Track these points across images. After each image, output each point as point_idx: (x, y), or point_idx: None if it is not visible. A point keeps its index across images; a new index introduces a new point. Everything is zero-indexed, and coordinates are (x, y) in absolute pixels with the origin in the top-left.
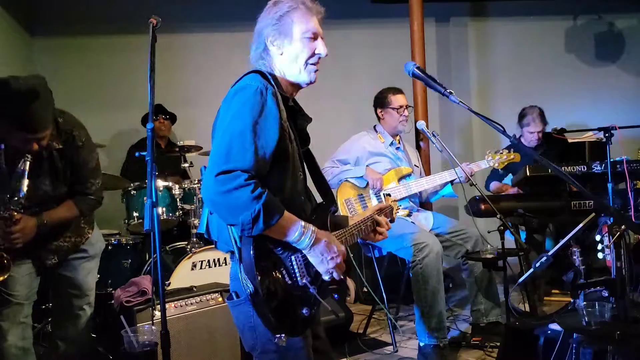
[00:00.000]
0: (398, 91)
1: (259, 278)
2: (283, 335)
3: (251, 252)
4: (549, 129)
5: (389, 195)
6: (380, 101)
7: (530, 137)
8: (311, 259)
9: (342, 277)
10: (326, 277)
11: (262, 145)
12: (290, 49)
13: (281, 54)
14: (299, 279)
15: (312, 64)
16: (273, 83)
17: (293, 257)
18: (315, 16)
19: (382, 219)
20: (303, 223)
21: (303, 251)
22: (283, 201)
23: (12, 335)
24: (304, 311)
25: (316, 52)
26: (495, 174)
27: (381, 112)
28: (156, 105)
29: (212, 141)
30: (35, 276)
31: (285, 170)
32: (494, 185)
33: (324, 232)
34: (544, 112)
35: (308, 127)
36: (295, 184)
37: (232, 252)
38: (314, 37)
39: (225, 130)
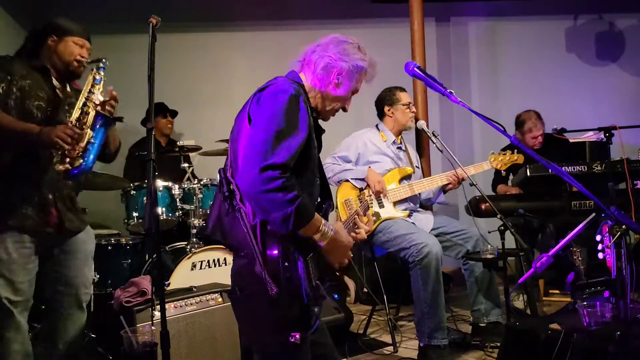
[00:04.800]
0: (403, 89)
1: (284, 280)
2: (298, 334)
3: (277, 255)
4: (548, 129)
5: (362, 189)
6: (389, 99)
7: (532, 141)
8: (326, 253)
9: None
10: (335, 266)
11: (295, 145)
12: (339, 91)
13: (333, 89)
14: (313, 279)
15: (336, 111)
16: (305, 94)
17: (309, 259)
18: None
19: (359, 220)
20: (324, 221)
21: (321, 245)
22: None
23: (16, 343)
24: (316, 310)
25: (346, 106)
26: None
27: (389, 109)
28: (158, 104)
29: (233, 140)
30: (36, 271)
31: (305, 176)
32: (500, 187)
33: (337, 225)
34: (540, 114)
35: None
36: (313, 190)
37: (239, 251)
38: None
39: (265, 129)
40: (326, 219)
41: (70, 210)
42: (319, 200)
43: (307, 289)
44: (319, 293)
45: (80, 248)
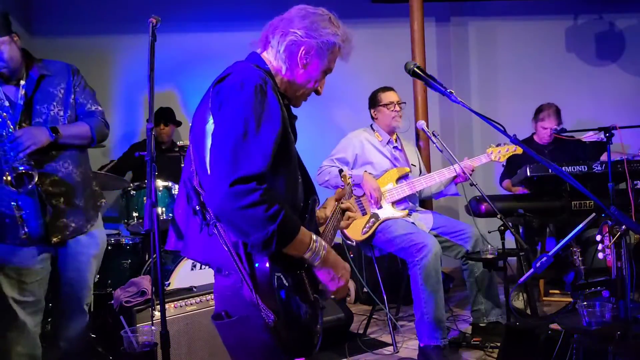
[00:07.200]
0: (387, 89)
1: (280, 301)
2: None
3: (268, 273)
4: None
5: (341, 170)
6: (372, 101)
7: (543, 132)
8: (320, 277)
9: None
10: (331, 295)
11: (269, 146)
12: (308, 73)
13: (300, 71)
14: (310, 293)
15: (307, 95)
16: (272, 79)
17: (303, 273)
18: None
19: (345, 204)
20: (314, 237)
21: (313, 266)
22: None
23: (20, 345)
24: (317, 327)
25: (319, 89)
26: (507, 171)
27: (374, 111)
28: (168, 110)
29: (195, 141)
30: (48, 274)
31: (286, 175)
32: (506, 183)
33: (330, 248)
34: (560, 111)
35: (304, 127)
36: (296, 188)
37: (221, 271)
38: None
39: (232, 132)
40: (313, 215)
41: (60, 217)
42: (302, 199)
43: (305, 306)
44: (318, 306)
45: (83, 251)
